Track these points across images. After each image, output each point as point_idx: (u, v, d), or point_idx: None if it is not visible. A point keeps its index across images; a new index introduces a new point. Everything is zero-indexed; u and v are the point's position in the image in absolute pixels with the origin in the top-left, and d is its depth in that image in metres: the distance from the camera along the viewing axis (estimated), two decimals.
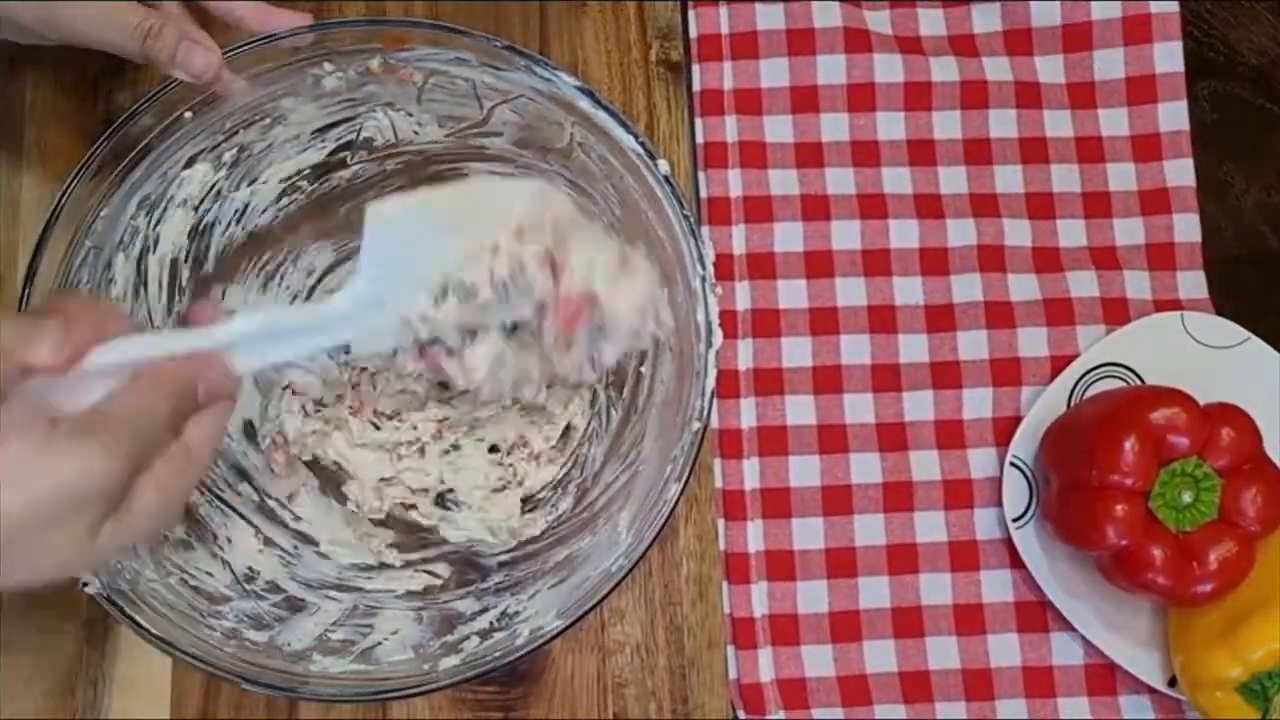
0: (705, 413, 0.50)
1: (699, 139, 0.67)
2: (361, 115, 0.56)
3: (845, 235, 0.66)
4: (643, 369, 0.58)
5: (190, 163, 0.53)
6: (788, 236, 0.66)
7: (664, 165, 0.51)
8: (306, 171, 0.58)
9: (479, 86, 0.54)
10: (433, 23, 0.52)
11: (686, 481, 0.49)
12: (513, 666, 0.58)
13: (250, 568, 0.54)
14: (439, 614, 0.55)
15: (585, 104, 0.51)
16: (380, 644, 0.53)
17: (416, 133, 0.58)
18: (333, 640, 0.52)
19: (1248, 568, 0.55)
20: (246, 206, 0.57)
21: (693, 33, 0.68)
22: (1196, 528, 0.56)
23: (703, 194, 0.66)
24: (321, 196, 0.60)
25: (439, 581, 0.57)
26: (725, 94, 0.67)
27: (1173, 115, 0.67)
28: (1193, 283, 0.66)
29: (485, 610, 0.54)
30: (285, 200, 0.59)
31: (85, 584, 0.46)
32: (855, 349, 0.65)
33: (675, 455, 0.50)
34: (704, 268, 0.50)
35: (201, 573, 0.52)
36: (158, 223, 0.54)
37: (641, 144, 0.51)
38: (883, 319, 0.65)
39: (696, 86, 0.67)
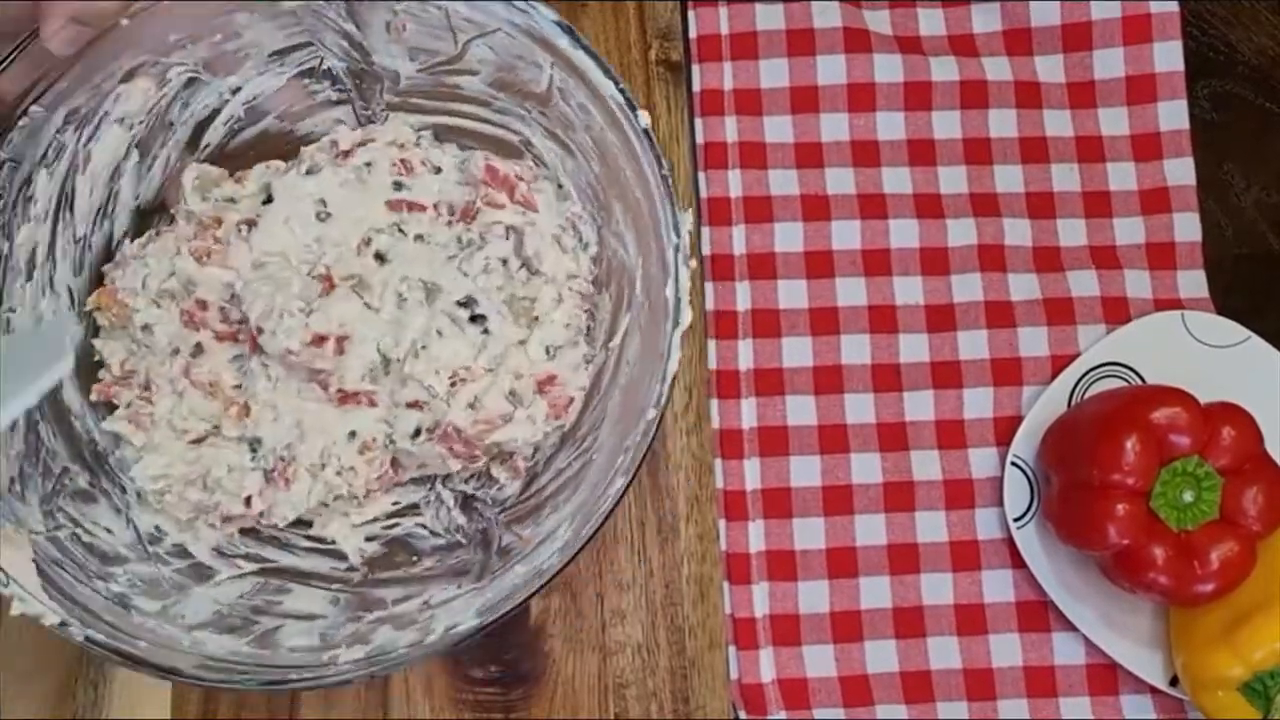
0: (662, 399, 0.45)
1: (699, 139, 0.67)
2: (325, 41, 0.52)
3: (845, 235, 0.66)
4: (611, 345, 0.54)
5: (129, 77, 0.49)
6: (788, 237, 0.66)
7: (644, 118, 0.48)
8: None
9: (453, 16, 0.50)
10: None
11: (634, 476, 0.45)
12: (509, 666, 0.58)
13: (158, 527, 0.51)
14: (357, 597, 0.51)
15: (564, 42, 0.48)
16: (281, 626, 0.49)
17: (386, 66, 0.54)
18: (231, 618, 0.48)
19: (1249, 567, 0.55)
20: (199, 126, 0.53)
21: (692, 33, 0.68)
22: (1198, 527, 0.56)
23: (703, 194, 0.66)
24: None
25: (365, 559, 0.54)
26: (725, 94, 0.67)
27: (1173, 115, 0.67)
28: (1193, 282, 0.66)
29: (407, 598, 0.51)
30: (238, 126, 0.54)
31: None
32: (855, 349, 0.65)
33: (627, 445, 0.46)
34: (678, 235, 0.47)
35: (99, 528, 0.48)
36: (89, 140, 0.50)
37: (621, 91, 0.48)
38: (883, 319, 0.65)
39: (696, 87, 0.67)
